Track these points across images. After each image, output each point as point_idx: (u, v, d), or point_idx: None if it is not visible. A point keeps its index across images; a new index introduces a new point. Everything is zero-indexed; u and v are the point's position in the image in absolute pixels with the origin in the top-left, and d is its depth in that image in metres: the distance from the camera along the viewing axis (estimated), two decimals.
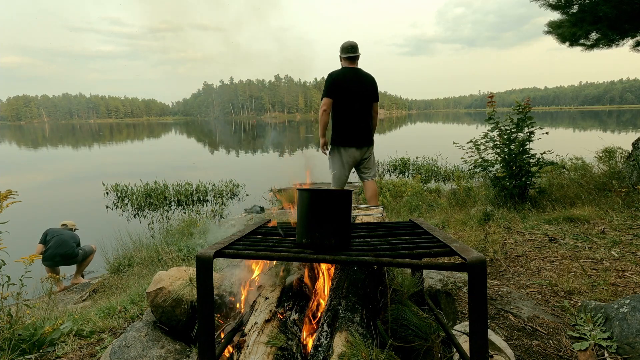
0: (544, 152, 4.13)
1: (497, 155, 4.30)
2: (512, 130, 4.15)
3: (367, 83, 3.24)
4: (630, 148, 4.49)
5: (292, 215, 1.56)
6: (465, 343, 1.20)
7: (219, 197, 9.52)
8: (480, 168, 4.50)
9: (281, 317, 1.15)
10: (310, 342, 1.08)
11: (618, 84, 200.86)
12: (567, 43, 4.92)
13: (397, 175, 11.52)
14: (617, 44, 4.65)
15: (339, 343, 0.95)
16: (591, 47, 4.82)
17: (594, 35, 4.65)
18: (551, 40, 5.20)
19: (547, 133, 4.18)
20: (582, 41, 4.78)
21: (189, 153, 22.83)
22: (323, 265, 1.45)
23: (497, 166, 4.31)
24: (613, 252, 2.42)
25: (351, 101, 3.17)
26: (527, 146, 4.07)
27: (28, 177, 13.98)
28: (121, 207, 9.08)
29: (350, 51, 3.21)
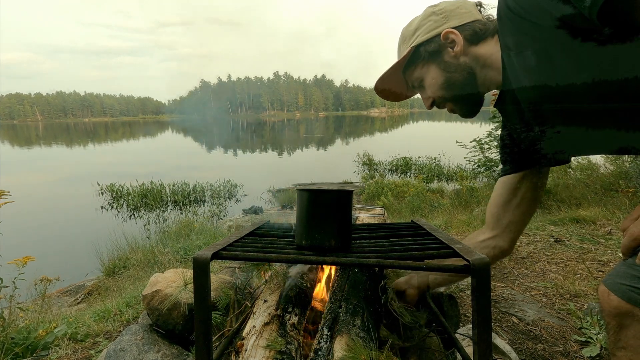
0: None
1: None
2: None
3: None
4: None
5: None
6: (468, 347, 1.17)
7: (216, 197, 9.44)
8: (484, 168, 4.47)
9: (280, 320, 1.12)
10: (310, 346, 1.05)
11: None
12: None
13: (399, 175, 11.46)
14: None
15: (339, 347, 0.93)
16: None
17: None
18: None
19: None
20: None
21: (186, 153, 22.78)
22: (323, 268, 1.41)
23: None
24: (620, 254, 2.39)
25: None
26: None
27: (21, 177, 13.93)
28: (116, 208, 9.00)
29: None
